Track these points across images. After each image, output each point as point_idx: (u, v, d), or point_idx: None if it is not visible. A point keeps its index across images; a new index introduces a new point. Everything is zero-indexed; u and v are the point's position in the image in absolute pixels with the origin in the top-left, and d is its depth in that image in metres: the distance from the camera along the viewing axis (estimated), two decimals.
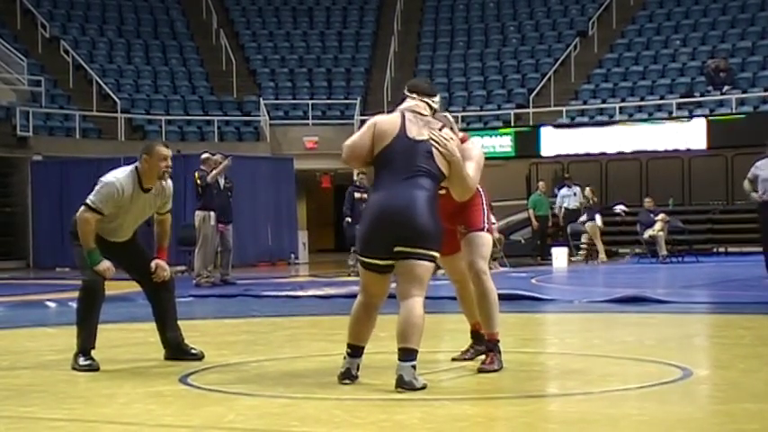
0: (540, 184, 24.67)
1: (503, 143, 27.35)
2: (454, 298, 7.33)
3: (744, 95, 26.85)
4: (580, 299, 12.40)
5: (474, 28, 32.66)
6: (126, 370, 7.13)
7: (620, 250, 24.88)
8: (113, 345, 8.86)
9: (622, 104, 27.92)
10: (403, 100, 6.31)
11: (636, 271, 19.66)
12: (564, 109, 28.15)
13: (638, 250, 23.62)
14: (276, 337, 9.27)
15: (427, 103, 6.20)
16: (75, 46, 29.92)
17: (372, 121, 6.11)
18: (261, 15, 33.77)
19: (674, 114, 26.72)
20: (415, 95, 6.21)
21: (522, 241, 24.52)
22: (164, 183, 7.16)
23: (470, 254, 6.51)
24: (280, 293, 14.03)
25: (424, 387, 5.76)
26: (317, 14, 33.82)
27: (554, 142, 26.82)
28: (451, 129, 6.30)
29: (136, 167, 7.06)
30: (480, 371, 6.39)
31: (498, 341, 6.52)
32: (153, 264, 7.22)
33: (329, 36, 33.13)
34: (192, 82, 30.99)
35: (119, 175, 7.01)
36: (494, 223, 6.83)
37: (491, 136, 27.57)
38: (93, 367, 6.92)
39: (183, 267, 19.96)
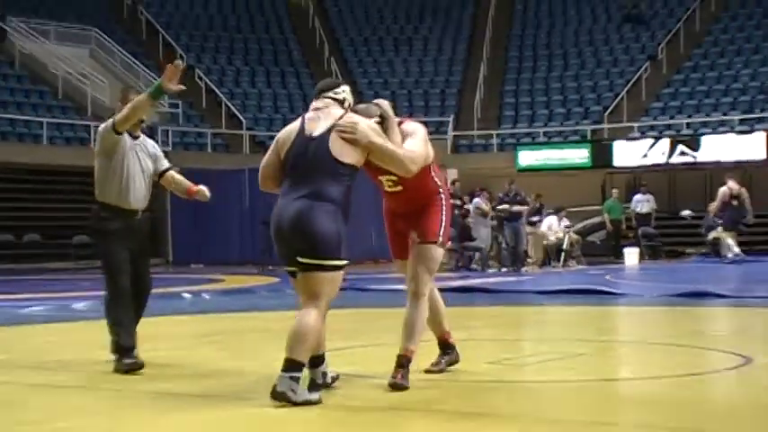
0: (614, 191, 24.45)
1: (581, 155, 27.05)
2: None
3: None
4: (650, 294, 12.19)
5: (555, 54, 32.34)
6: (249, 358, 7.20)
7: (687, 250, 24.44)
8: (238, 330, 8.98)
9: (689, 120, 27.35)
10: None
11: (701, 269, 19.22)
12: (636, 125, 27.68)
13: (703, 251, 23.14)
14: (379, 325, 9.29)
15: (331, 98, 5.22)
16: (208, 73, 30.49)
17: (276, 136, 5.28)
18: (366, 44, 33.96)
19: (736, 129, 26.09)
20: (318, 96, 5.26)
21: (598, 242, 24.34)
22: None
23: (416, 267, 5.47)
24: (382, 287, 14.06)
25: (310, 402, 4.84)
26: (416, 43, 33.89)
27: (626, 154, 26.38)
28: (382, 116, 5.29)
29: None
30: (391, 385, 5.23)
31: (411, 360, 5.33)
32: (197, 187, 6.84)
33: (426, 62, 33.14)
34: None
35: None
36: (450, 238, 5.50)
37: (570, 148, 27.34)
38: None
39: None
